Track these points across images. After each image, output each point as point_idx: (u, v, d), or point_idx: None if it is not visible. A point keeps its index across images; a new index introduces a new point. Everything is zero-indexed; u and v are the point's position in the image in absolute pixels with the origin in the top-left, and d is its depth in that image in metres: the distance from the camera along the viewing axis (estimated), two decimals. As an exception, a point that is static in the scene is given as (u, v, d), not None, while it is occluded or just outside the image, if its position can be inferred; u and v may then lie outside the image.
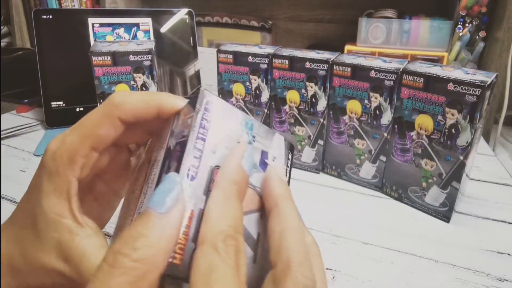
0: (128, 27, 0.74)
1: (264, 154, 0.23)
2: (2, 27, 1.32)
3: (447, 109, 0.39)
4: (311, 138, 0.52)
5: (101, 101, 0.56)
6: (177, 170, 0.19)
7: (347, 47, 0.90)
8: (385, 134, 0.46)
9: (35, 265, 0.22)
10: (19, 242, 0.23)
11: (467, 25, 0.86)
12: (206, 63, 0.83)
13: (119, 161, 0.26)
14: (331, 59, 0.47)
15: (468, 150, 0.39)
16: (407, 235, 0.41)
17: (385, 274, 0.35)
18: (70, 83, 0.71)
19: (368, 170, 0.49)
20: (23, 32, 1.31)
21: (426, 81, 0.40)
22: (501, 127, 0.80)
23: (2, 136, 0.64)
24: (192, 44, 0.80)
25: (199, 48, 0.81)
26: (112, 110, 0.22)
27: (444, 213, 0.43)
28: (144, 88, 0.57)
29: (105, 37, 0.73)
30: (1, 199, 0.47)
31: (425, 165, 0.43)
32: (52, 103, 0.69)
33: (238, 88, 0.55)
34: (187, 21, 0.79)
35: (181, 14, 0.78)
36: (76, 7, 1.27)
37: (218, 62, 0.55)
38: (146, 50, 0.55)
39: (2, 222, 0.25)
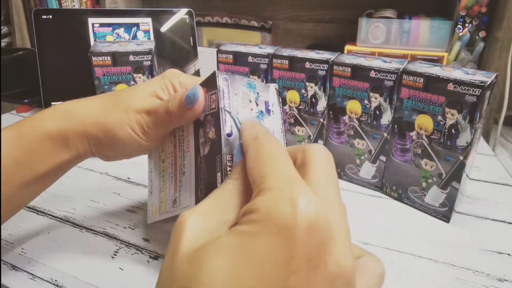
0: (128, 27, 0.74)
1: (266, 103, 0.31)
2: (2, 27, 1.32)
3: (447, 109, 0.39)
4: (311, 138, 0.52)
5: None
6: (218, 132, 0.27)
7: (347, 47, 0.90)
8: (385, 134, 0.46)
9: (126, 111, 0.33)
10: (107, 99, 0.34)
11: (467, 25, 0.86)
12: (206, 63, 0.83)
13: None
14: (331, 59, 0.47)
15: (468, 150, 0.39)
16: (406, 235, 0.41)
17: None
18: (70, 83, 0.71)
19: (368, 170, 0.49)
20: (23, 32, 1.31)
21: (426, 81, 0.40)
22: (501, 127, 0.80)
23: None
24: (192, 44, 0.80)
25: (199, 48, 0.81)
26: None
27: (444, 213, 0.43)
28: (144, 88, 0.56)
29: (105, 37, 0.73)
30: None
31: (425, 165, 0.43)
32: (52, 103, 0.69)
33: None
34: (187, 21, 0.79)
35: (181, 14, 0.78)
36: (76, 7, 1.27)
37: (218, 62, 0.55)
38: (146, 50, 0.55)
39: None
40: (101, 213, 0.44)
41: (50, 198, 0.46)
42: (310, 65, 0.48)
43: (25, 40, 1.31)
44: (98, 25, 0.72)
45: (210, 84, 0.30)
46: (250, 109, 0.30)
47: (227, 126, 0.27)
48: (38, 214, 0.44)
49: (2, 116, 0.77)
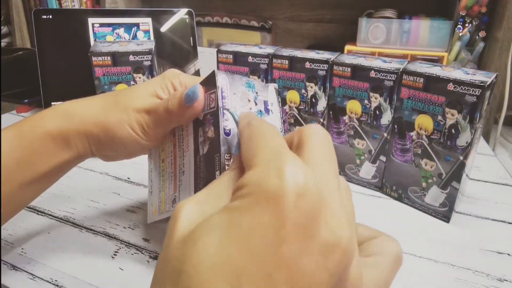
0: (128, 27, 0.74)
1: (265, 102, 0.31)
2: (2, 27, 1.32)
3: (447, 109, 0.39)
4: (311, 138, 0.52)
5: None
6: (217, 131, 0.27)
7: (347, 47, 0.90)
8: (385, 134, 0.46)
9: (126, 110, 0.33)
10: (107, 98, 0.34)
11: (467, 25, 0.86)
12: (206, 63, 0.83)
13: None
14: (331, 59, 0.47)
15: (468, 150, 0.39)
16: (407, 235, 0.41)
17: (385, 274, 0.35)
18: (70, 83, 0.71)
19: (368, 170, 0.49)
20: (23, 32, 1.31)
21: (426, 81, 0.40)
22: (501, 127, 0.80)
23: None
24: (192, 44, 0.80)
25: (199, 48, 0.81)
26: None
27: (444, 213, 0.43)
28: (144, 88, 0.56)
29: (105, 37, 0.73)
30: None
31: (425, 165, 0.43)
32: (52, 103, 0.69)
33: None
34: (187, 21, 0.79)
35: (181, 14, 0.78)
36: (76, 7, 1.27)
37: (218, 62, 0.55)
38: (146, 50, 0.55)
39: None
40: (101, 213, 0.44)
41: (50, 198, 0.46)
42: (310, 65, 0.48)
43: (25, 40, 1.31)
44: (98, 25, 0.72)
45: (209, 83, 0.30)
46: (249, 108, 0.30)
47: (226, 125, 0.28)
48: (38, 214, 0.44)
49: (2, 116, 0.77)
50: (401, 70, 0.42)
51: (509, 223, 0.43)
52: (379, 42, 0.87)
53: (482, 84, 0.36)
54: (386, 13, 0.90)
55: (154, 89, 0.34)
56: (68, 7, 1.27)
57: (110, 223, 0.42)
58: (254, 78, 0.30)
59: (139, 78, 0.56)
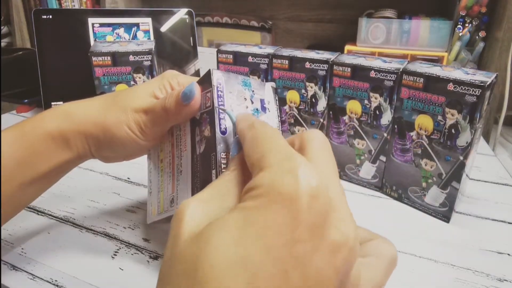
0: (128, 27, 0.74)
1: (262, 101, 0.31)
2: (2, 27, 1.32)
3: (447, 109, 0.39)
4: (311, 138, 0.52)
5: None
6: (213, 130, 0.27)
7: (347, 47, 0.90)
8: (385, 134, 0.46)
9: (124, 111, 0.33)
10: (106, 99, 0.34)
11: (467, 25, 0.86)
12: (206, 63, 0.83)
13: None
14: (331, 59, 0.47)
15: (468, 150, 0.39)
16: (407, 235, 0.41)
17: (385, 274, 0.35)
18: (70, 83, 0.71)
19: (368, 170, 0.49)
20: (23, 32, 1.31)
21: (426, 81, 0.40)
22: (501, 127, 0.80)
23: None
24: (192, 44, 0.80)
25: (199, 48, 0.81)
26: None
27: (444, 213, 0.43)
28: (144, 88, 0.56)
29: (105, 37, 0.73)
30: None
31: (425, 165, 0.43)
32: (52, 103, 0.69)
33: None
34: (187, 21, 0.79)
35: (181, 14, 0.78)
36: (76, 7, 1.27)
37: (218, 62, 0.55)
38: (146, 50, 0.55)
39: None
40: (101, 213, 0.44)
41: (50, 198, 0.46)
42: (310, 65, 0.48)
43: (25, 40, 1.31)
44: (98, 25, 0.72)
45: (205, 82, 0.30)
46: (245, 106, 0.30)
47: (222, 123, 0.28)
48: (38, 214, 0.44)
49: (2, 116, 0.77)
50: (401, 70, 0.42)
51: (509, 223, 0.43)
52: (379, 42, 0.87)
53: (482, 84, 0.36)
54: (386, 13, 0.90)
55: (152, 90, 0.34)
56: (68, 7, 1.27)
57: (110, 223, 0.42)
58: (254, 78, 0.30)
59: (139, 78, 0.56)
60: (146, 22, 0.75)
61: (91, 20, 0.72)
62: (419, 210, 0.45)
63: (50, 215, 0.44)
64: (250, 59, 0.52)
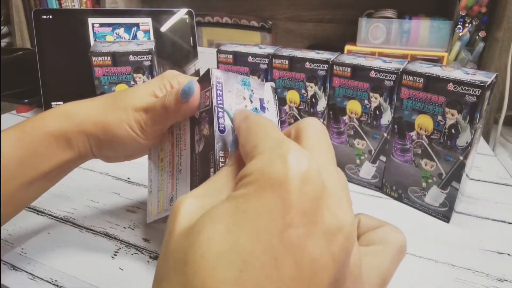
0: (128, 27, 0.74)
1: (261, 100, 0.32)
2: (2, 27, 1.32)
3: (447, 109, 0.39)
4: (311, 138, 0.52)
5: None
6: (212, 128, 0.28)
7: (347, 47, 0.90)
8: (385, 134, 0.46)
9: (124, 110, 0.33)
10: (105, 100, 0.34)
11: (467, 25, 0.86)
12: (206, 63, 0.83)
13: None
14: (331, 59, 0.47)
15: (468, 150, 0.39)
16: (407, 235, 0.40)
17: (385, 274, 0.35)
18: (70, 83, 0.71)
19: (368, 170, 0.49)
20: (23, 32, 1.31)
21: (426, 81, 0.40)
22: (501, 127, 0.80)
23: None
24: (192, 44, 0.80)
25: (199, 48, 0.81)
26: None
27: (444, 213, 0.43)
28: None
29: (105, 37, 0.73)
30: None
31: (425, 165, 0.43)
32: (52, 103, 0.69)
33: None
34: (187, 21, 0.79)
35: (181, 14, 0.78)
36: (76, 7, 1.27)
37: (218, 62, 0.55)
38: (146, 50, 0.55)
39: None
40: (101, 213, 0.44)
41: (50, 198, 0.46)
42: (310, 65, 0.48)
43: (25, 40, 1.31)
44: (98, 25, 0.72)
45: (204, 81, 0.30)
46: (244, 106, 0.30)
47: (221, 122, 0.28)
48: (38, 214, 0.44)
49: (2, 116, 0.77)
50: (401, 70, 0.42)
51: (509, 223, 0.43)
52: (379, 42, 0.87)
53: (482, 84, 0.36)
54: (386, 13, 0.90)
55: (152, 89, 0.34)
56: (68, 7, 1.27)
57: (110, 223, 0.42)
58: (254, 78, 0.31)
59: (139, 78, 0.56)
60: (146, 22, 0.75)
61: (91, 20, 0.72)
62: (419, 210, 0.45)
63: (50, 215, 0.44)
64: (250, 59, 0.52)
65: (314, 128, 0.19)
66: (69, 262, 0.36)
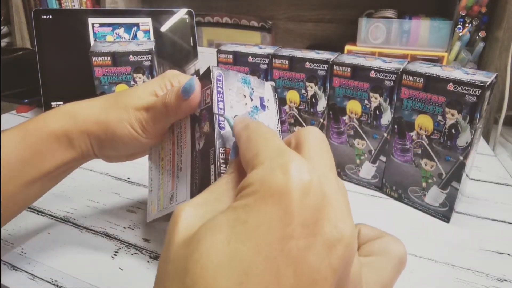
0: (128, 27, 0.74)
1: (261, 98, 0.32)
2: (2, 27, 1.32)
3: (447, 109, 0.39)
4: (311, 138, 0.52)
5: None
6: (212, 125, 0.28)
7: (347, 47, 0.90)
8: (385, 134, 0.46)
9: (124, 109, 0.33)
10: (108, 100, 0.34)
11: (467, 25, 0.86)
12: (206, 63, 0.82)
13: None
14: (331, 59, 0.47)
15: (468, 150, 0.39)
16: (407, 235, 0.41)
17: (385, 274, 0.35)
18: (70, 83, 0.71)
19: (368, 170, 0.49)
20: (23, 32, 1.31)
21: (426, 81, 0.40)
22: (501, 127, 0.80)
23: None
24: (192, 44, 0.80)
25: (199, 48, 0.81)
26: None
27: (444, 213, 0.43)
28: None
29: (105, 37, 0.73)
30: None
31: (425, 165, 0.43)
32: (52, 103, 0.69)
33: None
34: (187, 21, 0.79)
35: (181, 14, 0.78)
36: (76, 7, 1.27)
37: (218, 62, 0.55)
38: (146, 50, 0.55)
39: None
40: (101, 213, 0.44)
41: (50, 198, 0.46)
42: (310, 65, 0.48)
43: (25, 40, 1.31)
44: (98, 25, 0.72)
45: (205, 79, 0.30)
46: (244, 103, 0.30)
47: (220, 119, 0.28)
48: (38, 214, 0.44)
49: (2, 116, 0.77)
50: (401, 70, 0.42)
51: (509, 223, 0.43)
52: (379, 42, 0.87)
53: (482, 84, 0.36)
54: (386, 13, 0.90)
55: (153, 89, 0.34)
56: (68, 7, 1.26)
57: (110, 223, 0.42)
58: (254, 77, 0.31)
59: (139, 78, 0.56)
60: (146, 22, 0.75)
61: (91, 20, 0.72)
62: (419, 210, 0.45)
63: (50, 215, 0.44)
64: (250, 59, 0.52)
65: (314, 137, 0.19)
66: (69, 262, 0.36)
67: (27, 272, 0.35)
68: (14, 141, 0.31)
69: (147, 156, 0.39)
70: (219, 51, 0.54)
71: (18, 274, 0.35)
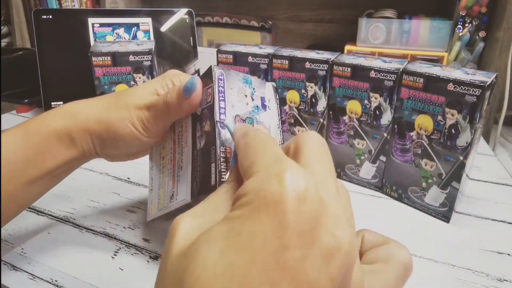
0: (128, 27, 0.74)
1: (262, 98, 0.32)
2: (2, 27, 1.32)
3: (447, 109, 0.39)
4: (311, 138, 0.52)
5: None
6: (213, 124, 0.28)
7: (347, 47, 0.90)
8: (385, 134, 0.46)
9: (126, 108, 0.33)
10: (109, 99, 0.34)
11: (467, 25, 0.86)
12: (206, 63, 0.82)
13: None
14: (331, 59, 0.47)
15: (468, 150, 0.39)
16: (407, 235, 0.41)
17: (385, 274, 0.35)
18: (70, 83, 0.71)
19: (368, 170, 0.49)
20: (23, 32, 1.31)
21: (426, 81, 0.40)
22: (501, 127, 0.80)
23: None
24: (192, 44, 0.80)
25: (199, 48, 0.81)
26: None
27: (444, 213, 0.43)
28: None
29: (105, 37, 0.73)
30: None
31: (425, 165, 0.43)
32: (52, 103, 0.69)
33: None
34: (187, 21, 0.79)
35: (181, 14, 0.78)
36: (76, 7, 1.27)
37: (218, 62, 0.55)
38: (146, 50, 0.55)
39: None
40: (101, 213, 0.44)
41: (50, 198, 0.46)
42: (310, 65, 0.48)
43: (25, 40, 1.31)
44: (98, 25, 0.72)
45: (206, 78, 0.31)
46: (245, 103, 0.30)
47: (222, 118, 0.28)
48: (38, 214, 0.44)
49: (2, 116, 0.77)
50: (401, 70, 0.42)
51: (509, 223, 0.43)
52: (379, 42, 0.87)
53: (482, 84, 0.36)
54: (386, 13, 0.90)
55: (154, 88, 0.34)
56: (68, 7, 1.26)
57: (110, 223, 0.42)
58: (255, 77, 0.32)
59: (139, 78, 0.56)
60: (146, 22, 0.75)
61: (91, 20, 0.72)
62: (419, 210, 0.45)
63: (50, 215, 0.44)
64: (250, 59, 0.52)
65: (313, 141, 0.19)
66: (69, 262, 0.36)
67: (27, 272, 0.35)
68: (15, 140, 0.31)
69: (147, 156, 0.39)
70: (219, 51, 0.54)
71: (18, 274, 0.35)
